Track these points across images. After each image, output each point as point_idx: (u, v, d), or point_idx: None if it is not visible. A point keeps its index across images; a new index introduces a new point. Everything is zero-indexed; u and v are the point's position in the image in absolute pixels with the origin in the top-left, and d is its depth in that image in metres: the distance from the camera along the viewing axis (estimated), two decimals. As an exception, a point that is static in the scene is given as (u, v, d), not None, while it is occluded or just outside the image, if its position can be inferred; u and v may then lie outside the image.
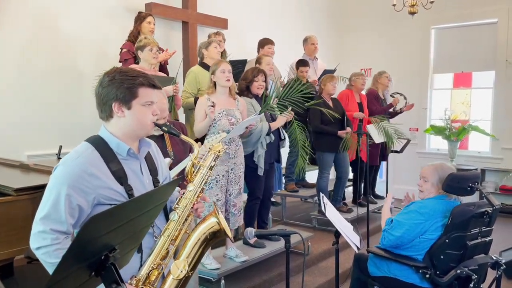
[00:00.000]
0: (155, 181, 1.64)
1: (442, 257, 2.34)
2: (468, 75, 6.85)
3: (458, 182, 2.50)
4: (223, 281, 3.18)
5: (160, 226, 1.60)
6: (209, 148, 1.75)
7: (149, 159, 1.66)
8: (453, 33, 6.80)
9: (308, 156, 4.32)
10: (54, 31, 4.01)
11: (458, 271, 2.28)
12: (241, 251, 3.41)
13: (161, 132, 2.43)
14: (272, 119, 3.78)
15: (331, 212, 2.61)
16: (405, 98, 5.58)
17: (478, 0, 6.45)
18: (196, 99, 3.80)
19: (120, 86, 1.48)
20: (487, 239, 2.49)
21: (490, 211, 2.42)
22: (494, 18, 6.37)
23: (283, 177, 5.09)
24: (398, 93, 5.53)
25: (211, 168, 1.71)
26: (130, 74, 1.50)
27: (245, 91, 3.63)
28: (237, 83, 4.33)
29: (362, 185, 5.15)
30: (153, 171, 1.65)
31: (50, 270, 1.41)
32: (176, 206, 1.60)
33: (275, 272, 3.59)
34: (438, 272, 2.35)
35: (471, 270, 2.29)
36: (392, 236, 2.51)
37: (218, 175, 3.20)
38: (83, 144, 1.52)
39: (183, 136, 1.72)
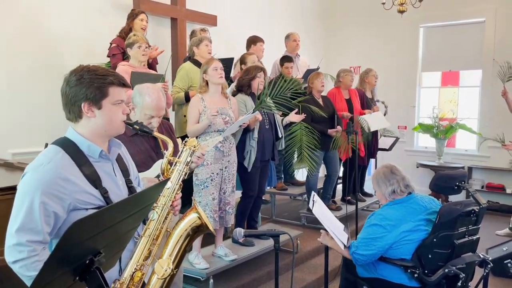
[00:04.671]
0: (128, 182, 1.61)
1: (430, 256, 2.33)
2: (455, 73, 6.91)
3: (445, 181, 2.51)
4: (211, 280, 3.17)
5: (138, 228, 1.57)
6: (183, 144, 1.74)
7: (119, 160, 1.62)
8: (441, 32, 6.85)
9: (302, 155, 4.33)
10: (40, 28, 3.94)
11: (446, 270, 2.28)
12: (230, 249, 3.40)
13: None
14: (268, 117, 3.75)
15: (319, 210, 2.59)
16: (385, 106, 5.61)
17: (466, -1, 6.51)
18: (186, 94, 3.77)
19: (90, 85, 1.43)
20: (474, 237, 2.49)
21: (477, 210, 2.42)
22: (481, 18, 6.43)
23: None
24: (379, 100, 5.57)
25: (187, 164, 1.69)
26: (99, 73, 1.46)
27: (246, 86, 3.61)
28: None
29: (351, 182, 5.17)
30: (125, 172, 1.62)
31: (29, 283, 1.35)
32: (155, 205, 1.57)
33: (264, 271, 3.59)
34: (426, 271, 2.34)
35: (459, 268, 2.29)
36: (363, 257, 2.45)
37: (213, 173, 3.17)
38: (51, 148, 1.46)
39: (155, 133, 1.72)
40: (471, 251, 2.49)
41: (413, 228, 2.40)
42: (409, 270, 2.37)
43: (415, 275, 2.34)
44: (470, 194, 2.50)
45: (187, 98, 3.73)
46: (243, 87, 3.63)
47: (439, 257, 2.34)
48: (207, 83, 3.22)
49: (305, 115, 4.16)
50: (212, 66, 3.17)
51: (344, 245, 2.53)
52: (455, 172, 2.61)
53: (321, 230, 2.67)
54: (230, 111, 3.27)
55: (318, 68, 5.11)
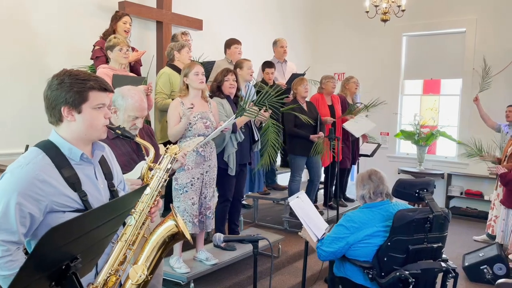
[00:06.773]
0: (110, 185, 1.60)
1: (385, 259, 2.40)
2: (437, 82, 7.05)
3: (404, 188, 2.59)
4: (192, 284, 3.17)
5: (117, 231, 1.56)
6: (165, 151, 1.74)
7: (103, 163, 1.62)
8: (423, 41, 6.99)
9: (277, 157, 4.31)
10: (23, 27, 3.90)
11: (398, 274, 2.34)
12: (211, 254, 3.40)
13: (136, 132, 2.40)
14: (248, 124, 3.76)
15: (297, 204, 2.68)
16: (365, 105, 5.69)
17: (448, 10, 6.66)
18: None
19: (70, 89, 1.43)
20: (435, 245, 2.49)
21: (431, 217, 2.44)
22: (462, 28, 6.59)
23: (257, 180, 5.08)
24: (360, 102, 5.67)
25: (167, 171, 1.70)
26: (80, 77, 1.46)
27: (216, 92, 3.62)
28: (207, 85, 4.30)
29: (333, 188, 5.23)
30: (108, 175, 1.62)
31: (1, 282, 1.37)
32: (133, 210, 1.57)
33: (245, 275, 3.60)
34: (383, 274, 2.41)
35: (414, 274, 2.34)
36: (324, 253, 2.56)
37: (194, 178, 3.17)
38: (32, 150, 1.47)
39: (137, 139, 1.73)
40: (432, 258, 2.50)
41: (374, 233, 2.47)
42: (365, 271, 2.46)
43: (369, 276, 2.43)
44: (426, 201, 2.52)
45: None
46: (214, 92, 3.64)
47: (394, 260, 2.41)
48: (187, 87, 3.22)
49: (271, 111, 4.08)
50: (194, 71, 3.16)
51: (318, 239, 2.62)
52: (417, 180, 2.66)
53: (303, 225, 2.76)
54: (210, 115, 3.28)
55: (304, 74, 5.16)
